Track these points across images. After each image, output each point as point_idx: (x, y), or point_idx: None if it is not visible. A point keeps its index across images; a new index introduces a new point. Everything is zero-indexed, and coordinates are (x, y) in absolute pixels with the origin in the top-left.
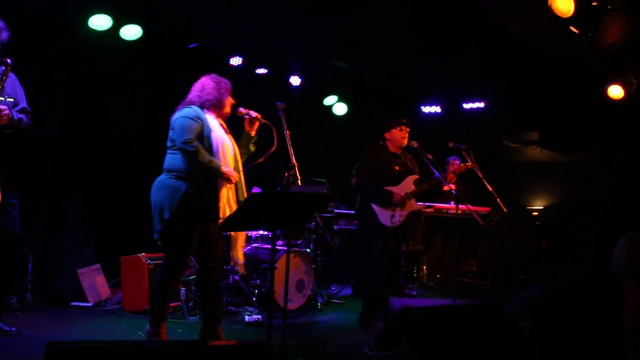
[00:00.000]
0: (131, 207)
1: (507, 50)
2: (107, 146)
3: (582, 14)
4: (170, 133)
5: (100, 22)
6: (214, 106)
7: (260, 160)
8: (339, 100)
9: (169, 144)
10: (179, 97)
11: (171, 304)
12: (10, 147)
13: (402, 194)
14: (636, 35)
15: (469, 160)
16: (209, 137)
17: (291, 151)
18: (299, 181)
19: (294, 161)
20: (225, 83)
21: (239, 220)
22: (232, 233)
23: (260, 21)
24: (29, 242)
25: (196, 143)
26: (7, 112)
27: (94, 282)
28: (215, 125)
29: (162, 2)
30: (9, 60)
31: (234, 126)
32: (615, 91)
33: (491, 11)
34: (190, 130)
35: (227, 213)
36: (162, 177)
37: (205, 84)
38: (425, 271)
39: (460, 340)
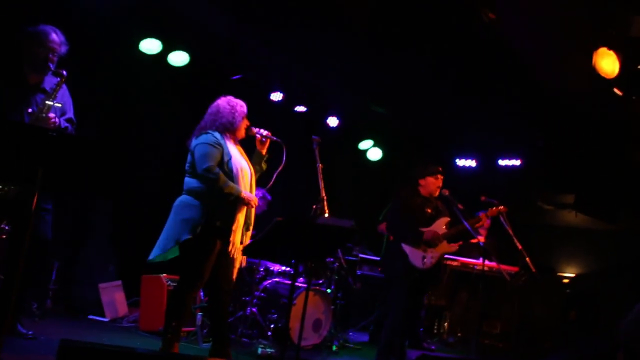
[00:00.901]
0: (157, 227)
1: (546, 108)
2: (140, 165)
3: (627, 76)
4: (189, 157)
5: (150, 46)
6: (228, 130)
7: (270, 184)
8: (374, 145)
9: (187, 168)
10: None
11: (185, 329)
12: (52, 149)
13: (435, 233)
14: None
15: (500, 214)
16: (228, 163)
17: (322, 184)
18: (327, 214)
19: (324, 194)
20: (241, 106)
21: (262, 247)
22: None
23: (304, 59)
24: (54, 249)
25: (217, 170)
26: (55, 119)
27: (114, 298)
28: (233, 150)
29: (210, 29)
30: (64, 72)
31: (244, 144)
32: None
33: (531, 67)
34: (211, 157)
35: (238, 236)
36: (184, 197)
37: (220, 107)
38: (446, 327)
39: None
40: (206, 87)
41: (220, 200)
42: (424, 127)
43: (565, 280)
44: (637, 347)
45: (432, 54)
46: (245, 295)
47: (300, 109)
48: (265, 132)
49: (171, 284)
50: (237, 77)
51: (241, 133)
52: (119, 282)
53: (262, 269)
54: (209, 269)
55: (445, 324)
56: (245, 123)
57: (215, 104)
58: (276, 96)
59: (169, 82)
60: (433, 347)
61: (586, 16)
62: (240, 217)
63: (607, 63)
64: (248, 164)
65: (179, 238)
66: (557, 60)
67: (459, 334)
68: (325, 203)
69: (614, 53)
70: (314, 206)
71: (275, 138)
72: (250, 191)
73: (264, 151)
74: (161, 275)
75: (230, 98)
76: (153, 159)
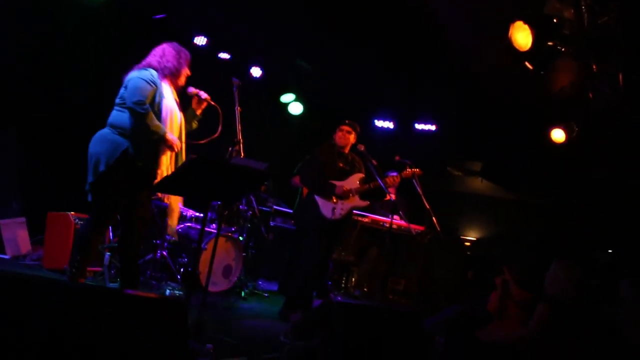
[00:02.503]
0: (68, 164)
1: (462, 79)
2: (53, 97)
3: (537, 51)
4: (122, 90)
5: None
6: (171, 74)
7: (202, 141)
8: (295, 100)
9: (118, 100)
10: (133, 63)
11: (92, 268)
12: None
13: (346, 188)
14: (582, 83)
15: (414, 176)
16: (159, 103)
17: (239, 127)
18: (242, 157)
19: (240, 137)
20: (186, 54)
21: (174, 183)
22: (169, 203)
23: (231, 7)
24: None
25: (147, 106)
26: None
27: (16, 234)
28: (168, 93)
29: None
30: None
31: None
32: (558, 135)
33: (452, 39)
34: (144, 92)
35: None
36: (105, 131)
37: (166, 51)
38: (353, 282)
39: (378, 340)
40: (127, 25)
41: (143, 137)
42: (346, 86)
43: (467, 244)
44: (562, 297)
45: (357, 18)
46: (156, 239)
47: (224, 56)
48: (204, 95)
49: (79, 222)
50: (160, 16)
51: (181, 80)
52: (23, 219)
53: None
54: (119, 206)
55: (353, 279)
56: (187, 72)
57: (160, 47)
58: (200, 40)
59: (88, 17)
60: (339, 299)
61: None
62: (165, 160)
63: (522, 36)
64: (180, 113)
65: (97, 170)
66: (476, 34)
67: (365, 289)
68: (241, 145)
69: (528, 27)
70: (230, 148)
71: (213, 103)
72: (179, 138)
73: (198, 112)
74: (69, 212)
75: (176, 43)
76: (68, 90)
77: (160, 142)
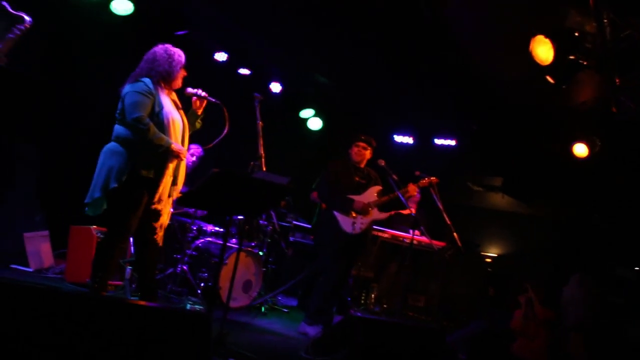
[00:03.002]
0: (88, 177)
1: (481, 93)
2: (76, 114)
3: (559, 65)
4: (120, 105)
5: None
6: (164, 79)
7: (210, 145)
8: (315, 115)
9: (117, 116)
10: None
11: (113, 282)
12: None
13: (365, 202)
14: (605, 97)
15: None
16: (159, 113)
17: (260, 142)
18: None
19: (262, 152)
20: (179, 55)
21: (197, 197)
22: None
23: (251, 22)
24: None
25: (147, 120)
26: None
27: (39, 248)
28: (166, 100)
29: None
30: (28, 18)
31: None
32: (580, 149)
33: (470, 53)
34: (141, 106)
35: (166, 190)
36: (112, 145)
37: (157, 55)
38: (373, 298)
39: (400, 357)
40: (148, 41)
41: (149, 150)
42: (365, 101)
43: (488, 260)
44: (593, 327)
45: (377, 32)
46: (177, 253)
47: (244, 71)
48: (202, 93)
49: (100, 235)
50: (182, 32)
51: (177, 83)
52: (46, 232)
53: (195, 228)
54: (136, 220)
55: (372, 295)
56: (182, 73)
57: (152, 51)
58: (220, 56)
59: (110, 31)
60: (359, 314)
61: (525, 4)
62: (170, 169)
63: (543, 50)
64: (181, 116)
65: (107, 186)
66: (495, 48)
67: (385, 305)
68: (263, 160)
69: (549, 41)
70: (252, 162)
71: (213, 99)
72: (182, 144)
73: (199, 111)
74: (91, 226)
75: (168, 46)
76: (90, 110)
77: (167, 153)
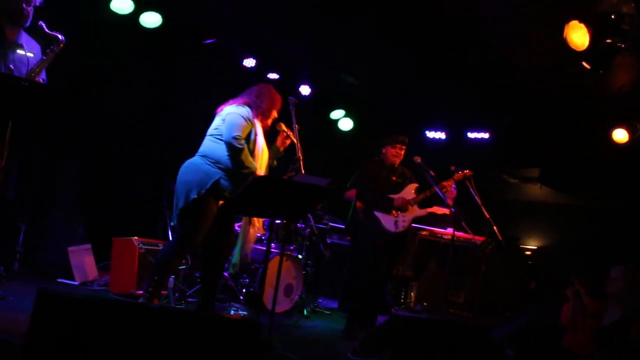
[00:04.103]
0: (128, 190)
1: (513, 83)
2: (110, 127)
3: (595, 50)
4: (219, 122)
5: (122, 5)
6: (263, 114)
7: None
8: (345, 115)
9: (214, 131)
10: (187, 88)
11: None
12: (24, 99)
13: (405, 199)
14: None
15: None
16: (254, 141)
17: (298, 145)
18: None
19: (300, 154)
20: (278, 98)
21: (240, 203)
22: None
23: (278, 27)
24: (20, 212)
25: (244, 142)
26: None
27: (83, 261)
28: (259, 131)
29: None
30: (61, 37)
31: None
32: (620, 135)
33: (501, 43)
34: (242, 128)
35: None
36: (197, 160)
37: (262, 92)
38: (413, 297)
39: (446, 354)
40: (178, 51)
41: (235, 170)
42: (395, 99)
43: (527, 253)
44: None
45: (404, 28)
46: None
47: (273, 76)
48: (291, 133)
49: (143, 246)
50: (210, 41)
51: (269, 123)
52: (89, 246)
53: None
54: (205, 234)
55: (412, 293)
56: (275, 114)
57: (259, 86)
58: (249, 62)
59: (140, 43)
60: (404, 314)
61: None
62: None
63: (578, 36)
64: (267, 150)
65: (187, 197)
66: (528, 36)
67: (425, 304)
68: (301, 163)
69: (584, 26)
70: (290, 165)
71: (296, 140)
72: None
73: (282, 148)
74: (133, 237)
75: (272, 87)
76: (122, 121)
77: (250, 177)
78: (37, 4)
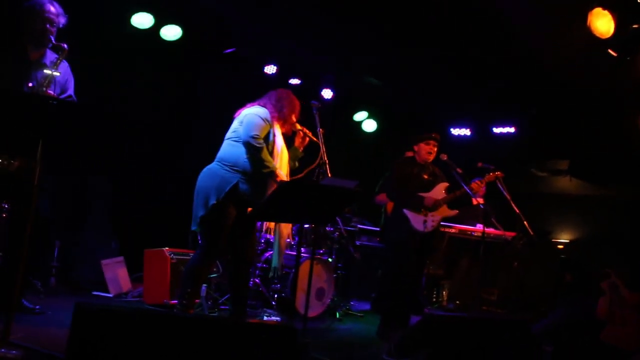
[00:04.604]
0: (157, 202)
1: (538, 75)
2: (138, 139)
3: (621, 36)
4: (236, 125)
5: (142, 20)
6: (282, 119)
7: (301, 175)
8: (368, 117)
9: (232, 135)
10: (211, 97)
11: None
12: (52, 118)
13: (435, 198)
14: None
15: (497, 179)
16: (273, 142)
17: (323, 149)
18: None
19: (325, 158)
20: (298, 104)
21: (267, 209)
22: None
23: (297, 32)
24: (55, 229)
25: (262, 141)
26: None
27: (116, 274)
28: (278, 133)
29: (202, 4)
30: (65, 46)
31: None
32: None
33: (524, 35)
34: (260, 128)
35: None
36: (214, 166)
37: (282, 97)
38: (445, 296)
39: (484, 351)
40: (200, 61)
41: (254, 172)
42: (417, 97)
43: (560, 246)
44: None
45: (424, 25)
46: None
47: (295, 81)
48: (308, 132)
49: (174, 257)
50: (230, 50)
51: (288, 127)
52: (121, 258)
53: (262, 241)
54: (225, 238)
55: (444, 292)
56: (293, 119)
57: (277, 91)
58: (270, 69)
59: (163, 56)
60: (438, 313)
61: None
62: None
63: (602, 23)
64: (287, 151)
65: (207, 203)
66: (550, 27)
67: (457, 302)
68: (327, 166)
69: (608, 13)
70: (317, 170)
71: (315, 139)
72: (286, 175)
73: (301, 148)
74: (164, 248)
75: (291, 92)
76: (149, 134)
77: (269, 177)
78: (61, 25)
